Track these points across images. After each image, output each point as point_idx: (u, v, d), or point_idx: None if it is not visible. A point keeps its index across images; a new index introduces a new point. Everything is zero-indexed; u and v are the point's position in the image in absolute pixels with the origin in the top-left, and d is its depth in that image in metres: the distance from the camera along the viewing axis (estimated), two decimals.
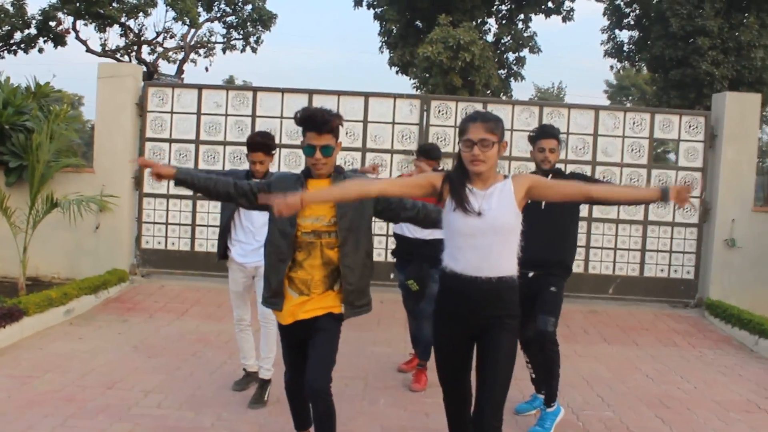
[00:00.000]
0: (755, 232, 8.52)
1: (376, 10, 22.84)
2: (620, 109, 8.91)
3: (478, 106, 8.66)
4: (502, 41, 21.83)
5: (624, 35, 22.84)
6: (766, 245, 8.49)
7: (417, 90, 21.96)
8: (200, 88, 8.82)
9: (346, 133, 8.58)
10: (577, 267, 8.56)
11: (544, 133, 4.68)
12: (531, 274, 4.48)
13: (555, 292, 4.61)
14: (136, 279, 8.67)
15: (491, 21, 21.99)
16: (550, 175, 4.49)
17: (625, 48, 22.91)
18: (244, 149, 4.97)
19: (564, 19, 22.22)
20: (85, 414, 4.46)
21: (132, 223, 8.75)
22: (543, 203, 4.45)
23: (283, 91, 8.75)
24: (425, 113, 8.62)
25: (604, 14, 21.81)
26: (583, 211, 8.51)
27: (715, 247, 8.56)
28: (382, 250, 8.44)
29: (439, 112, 8.63)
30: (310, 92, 8.69)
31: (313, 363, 3.45)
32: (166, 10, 27.90)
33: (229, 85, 14.01)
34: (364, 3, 23.00)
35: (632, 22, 22.01)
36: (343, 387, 5.15)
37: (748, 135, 8.55)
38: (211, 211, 8.65)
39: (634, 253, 8.72)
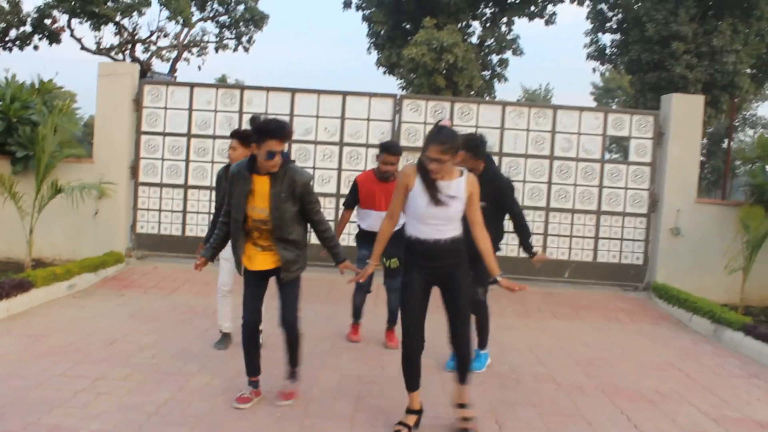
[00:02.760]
0: (698, 222, 9.34)
1: (365, 12, 23.56)
2: (576, 108, 9.62)
3: (447, 105, 9.49)
4: (486, 44, 22.62)
5: (606, 39, 23.65)
6: (707, 234, 9.31)
7: (403, 90, 22.77)
8: (192, 86, 9.61)
9: (325, 129, 9.39)
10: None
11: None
12: None
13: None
14: (132, 261, 9.45)
15: (476, 24, 22.76)
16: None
17: (607, 51, 23.67)
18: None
19: (547, 23, 23.04)
20: (91, 362, 5.25)
21: (128, 209, 9.52)
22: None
23: (268, 89, 9.55)
24: (398, 111, 9.42)
25: (587, 18, 22.54)
26: (542, 200, 9.38)
27: (662, 236, 9.38)
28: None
29: (411, 110, 9.43)
30: (293, 91, 9.49)
31: (284, 305, 4.55)
32: (160, 10, 28.51)
33: (218, 83, 14.59)
34: (353, 5, 23.71)
35: (615, 26, 22.75)
36: (313, 346, 5.98)
37: (693, 133, 9.38)
38: (200, 199, 9.46)
39: (588, 241, 9.55)
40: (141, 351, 5.65)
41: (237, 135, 5.62)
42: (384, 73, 23.90)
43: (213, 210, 6.37)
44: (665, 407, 5.05)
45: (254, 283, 4.60)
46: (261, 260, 4.52)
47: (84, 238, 9.29)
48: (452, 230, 4.23)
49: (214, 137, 9.48)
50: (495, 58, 23.05)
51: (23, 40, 28.38)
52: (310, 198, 4.50)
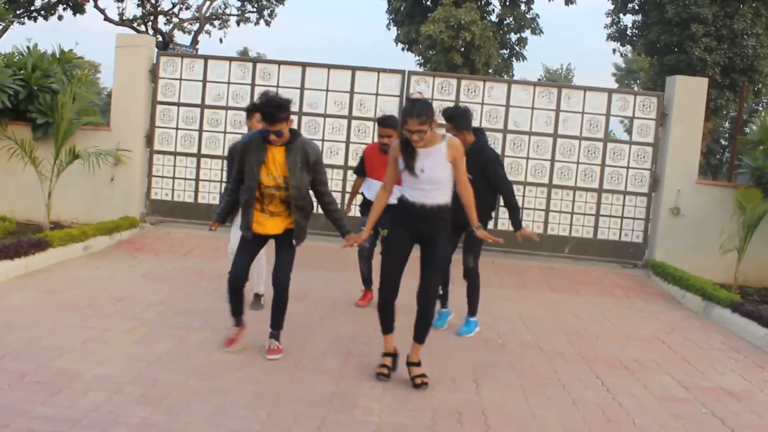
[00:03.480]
0: (698, 202, 9.51)
1: None
2: (580, 88, 9.79)
3: (453, 82, 9.69)
4: (505, 22, 22.64)
5: (628, 19, 23.56)
6: (707, 214, 9.48)
7: (420, 66, 22.90)
8: (206, 58, 9.90)
9: (335, 102, 9.65)
10: (537, 228, 9.65)
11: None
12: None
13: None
14: (146, 226, 9.81)
15: (495, 2, 22.77)
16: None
17: (628, 32, 23.59)
18: (243, 114, 6.05)
19: (567, 2, 23.00)
20: (101, 315, 5.60)
21: (143, 176, 9.88)
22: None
23: (279, 63, 9.83)
24: (405, 86, 9.63)
25: None
26: (544, 177, 9.59)
27: (662, 215, 9.57)
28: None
29: (418, 85, 9.64)
30: (303, 65, 9.75)
31: (280, 266, 4.86)
32: None
33: (231, 57, 14.78)
34: None
35: (636, 7, 22.64)
36: (312, 309, 6.31)
37: (695, 115, 9.52)
38: (212, 167, 9.79)
39: (589, 218, 9.76)
40: (148, 308, 6.00)
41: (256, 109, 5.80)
42: (402, 50, 24.00)
43: (224, 179, 6.67)
44: (641, 374, 5.30)
45: (254, 244, 4.94)
46: (272, 225, 4.84)
47: (101, 203, 9.66)
48: (440, 196, 4.54)
49: (226, 108, 9.77)
50: (514, 37, 23.06)
51: (48, 10, 28.75)
52: (320, 168, 4.86)
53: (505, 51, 23.26)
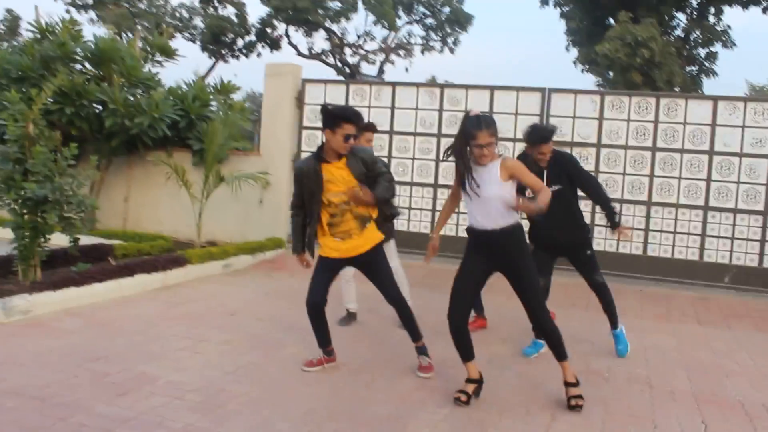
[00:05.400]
0: None
1: (562, 8, 23.09)
2: (740, 99, 8.86)
3: (596, 98, 9.17)
4: (692, 36, 21.19)
5: None
6: None
7: (598, 87, 22.02)
8: (347, 83, 10.22)
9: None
10: (692, 255, 8.83)
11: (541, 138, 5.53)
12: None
13: (590, 254, 5.66)
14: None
15: (680, 15, 21.39)
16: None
17: None
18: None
19: (765, 11, 21.07)
20: (205, 327, 5.92)
21: (290, 198, 10.28)
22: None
23: (418, 85, 9.88)
24: (546, 104, 9.28)
25: None
26: (699, 199, 8.76)
27: None
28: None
29: (560, 104, 9.24)
30: (442, 86, 9.73)
31: (384, 282, 4.90)
32: (366, 15, 30.00)
33: (365, 80, 15.31)
34: (551, 2, 23.30)
35: None
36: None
37: None
38: None
39: (753, 244, 8.74)
40: (255, 322, 6.23)
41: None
42: (582, 71, 23.27)
43: None
44: (761, 422, 4.61)
45: (329, 269, 4.95)
46: (346, 248, 4.82)
47: (251, 223, 10.22)
48: (503, 219, 4.34)
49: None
50: (702, 51, 21.48)
51: (249, 49, 31.24)
52: (378, 166, 4.85)
53: (693, 67, 21.73)
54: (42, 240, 6.51)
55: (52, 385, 4.33)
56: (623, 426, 4.34)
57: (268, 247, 9.64)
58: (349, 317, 6.49)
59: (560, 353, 4.55)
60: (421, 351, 5.06)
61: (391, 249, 5.91)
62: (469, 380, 4.56)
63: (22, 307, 5.83)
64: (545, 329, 4.54)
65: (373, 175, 4.78)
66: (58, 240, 7.20)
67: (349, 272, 6.31)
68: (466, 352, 4.57)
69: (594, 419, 4.42)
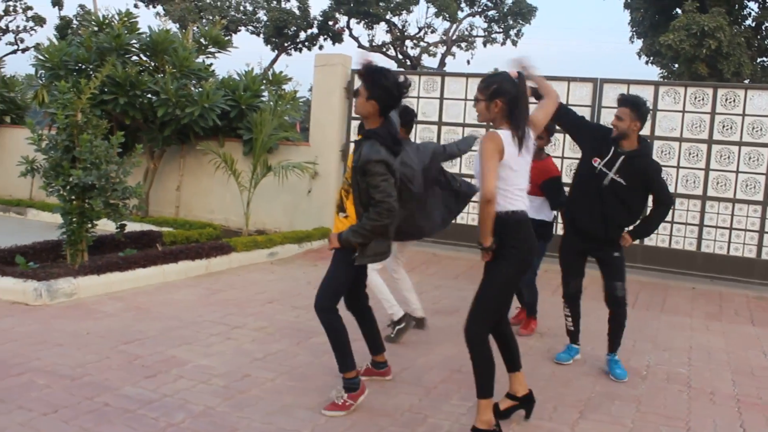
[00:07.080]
0: None
1: None
2: None
3: (649, 88, 8.87)
4: (763, 26, 20.33)
5: None
6: None
7: (663, 79, 21.36)
8: (419, 75, 10.12)
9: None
10: (749, 252, 8.49)
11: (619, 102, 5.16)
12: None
13: (619, 257, 5.03)
14: None
15: (752, 4, 20.55)
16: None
17: None
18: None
19: None
20: (241, 314, 5.97)
21: (338, 188, 10.32)
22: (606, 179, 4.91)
23: (467, 76, 9.75)
24: (598, 95, 9.04)
25: None
26: (758, 194, 8.39)
27: None
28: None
29: (611, 94, 8.99)
30: (467, 76, 9.54)
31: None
32: (427, 6, 29.82)
33: (412, 71, 15.09)
34: None
35: None
36: (455, 323, 6.12)
37: None
38: None
39: None
40: (291, 310, 6.26)
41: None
42: (646, 63, 22.63)
43: None
44: None
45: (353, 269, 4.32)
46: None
47: (300, 213, 10.29)
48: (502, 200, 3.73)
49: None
50: None
51: (311, 41, 31.46)
52: (374, 182, 3.96)
53: (765, 59, 20.87)
54: (89, 225, 6.68)
55: (84, 365, 4.44)
56: (654, 426, 4.19)
57: (315, 236, 9.68)
58: (419, 323, 5.89)
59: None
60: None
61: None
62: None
63: (67, 290, 6.01)
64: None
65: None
66: (108, 226, 7.39)
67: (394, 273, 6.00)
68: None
69: (623, 418, 4.28)
